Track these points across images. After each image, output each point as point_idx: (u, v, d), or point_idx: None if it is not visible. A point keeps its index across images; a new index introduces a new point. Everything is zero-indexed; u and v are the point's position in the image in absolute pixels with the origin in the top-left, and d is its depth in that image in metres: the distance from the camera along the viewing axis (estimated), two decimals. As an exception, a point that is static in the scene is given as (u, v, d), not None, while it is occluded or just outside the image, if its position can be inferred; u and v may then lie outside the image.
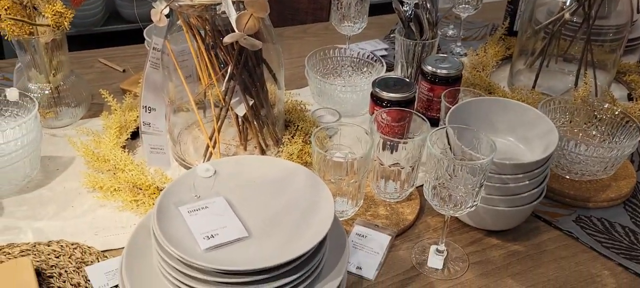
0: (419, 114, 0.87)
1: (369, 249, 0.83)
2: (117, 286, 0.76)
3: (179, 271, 0.64)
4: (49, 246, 0.83)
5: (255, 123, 0.98)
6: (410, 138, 0.89)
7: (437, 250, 0.82)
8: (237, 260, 0.63)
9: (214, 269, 0.61)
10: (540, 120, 0.88)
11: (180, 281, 0.64)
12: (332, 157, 0.81)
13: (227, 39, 0.80)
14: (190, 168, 0.99)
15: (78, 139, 1.01)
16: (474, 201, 0.74)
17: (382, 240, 0.84)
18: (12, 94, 0.95)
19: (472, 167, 0.70)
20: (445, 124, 0.83)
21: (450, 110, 0.86)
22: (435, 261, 0.82)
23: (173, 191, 0.72)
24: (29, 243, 0.83)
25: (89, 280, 0.77)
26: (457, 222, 0.89)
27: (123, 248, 0.83)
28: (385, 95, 0.98)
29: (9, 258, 0.80)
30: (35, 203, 0.92)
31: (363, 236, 0.85)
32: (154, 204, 0.88)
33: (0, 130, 0.87)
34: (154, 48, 0.92)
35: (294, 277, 0.64)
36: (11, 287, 0.73)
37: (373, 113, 1.01)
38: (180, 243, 0.64)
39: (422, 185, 0.97)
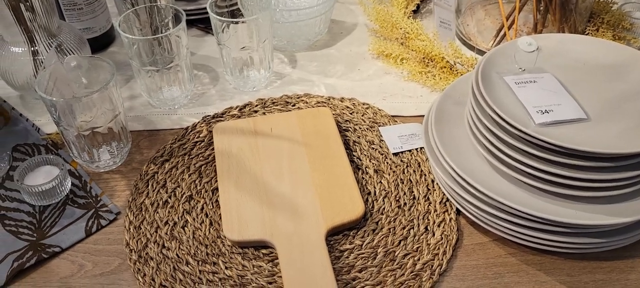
0: None
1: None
2: (409, 151, 0.76)
3: (503, 140, 0.60)
4: (342, 102, 0.84)
5: (560, 9, 0.87)
6: None
7: None
8: (575, 140, 0.56)
9: (553, 145, 0.55)
10: None
11: (500, 150, 0.60)
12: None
13: None
14: (474, 47, 0.94)
15: (368, 5, 1.01)
16: None
17: None
18: (312, -50, 0.97)
19: None
20: None
21: None
22: None
23: (493, 61, 0.67)
24: (323, 96, 0.86)
25: (383, 140, 0.77)
26: None
27: (412, 116, 0.82)
28: None
29: (307, 107, 0.84)
30: (324, 61, 0.94)
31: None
32: (444, 78, 0.85)
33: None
34: None
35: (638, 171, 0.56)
36: (315, 128, 0.76)
37: None
38: (509, 113, 0.59)
39: None
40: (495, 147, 0.61)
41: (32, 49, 0.79)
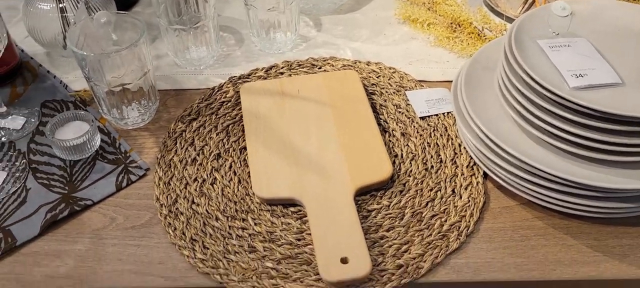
0: None
1: None
2: (436, 115, 0.75)
3: (535, 103, 0.59)
4: (368, 66, 0.84)
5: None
6: None
7: None
8: (609, 104, 0.56)
9: (587, 108, 0.55)
10: None
11: (533, 113, 0.60)
12: None
13: None
14: (502, 14, 0.93)
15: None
16: None
17: None
18: None
19: None
20: None
21: None
22: None
23: (526, 24, 0.67)
24: (349, 59, 0.86)
25: (410, 104, 0.77)
26: None
27: (439, 81, 0.82)
28: None
29: (333, 69, 0.84)
30: (350, 25, 0.94)
31: None
32: (471, 43, 0.84)
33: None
34: None
35: (672, 138, 0.56)
36: (342, 91, 0.76)
37: None
38: (543, 76, 0.59)
39: None
40: (527, 110, 0.61)
41: (60, 5, 0.80)
